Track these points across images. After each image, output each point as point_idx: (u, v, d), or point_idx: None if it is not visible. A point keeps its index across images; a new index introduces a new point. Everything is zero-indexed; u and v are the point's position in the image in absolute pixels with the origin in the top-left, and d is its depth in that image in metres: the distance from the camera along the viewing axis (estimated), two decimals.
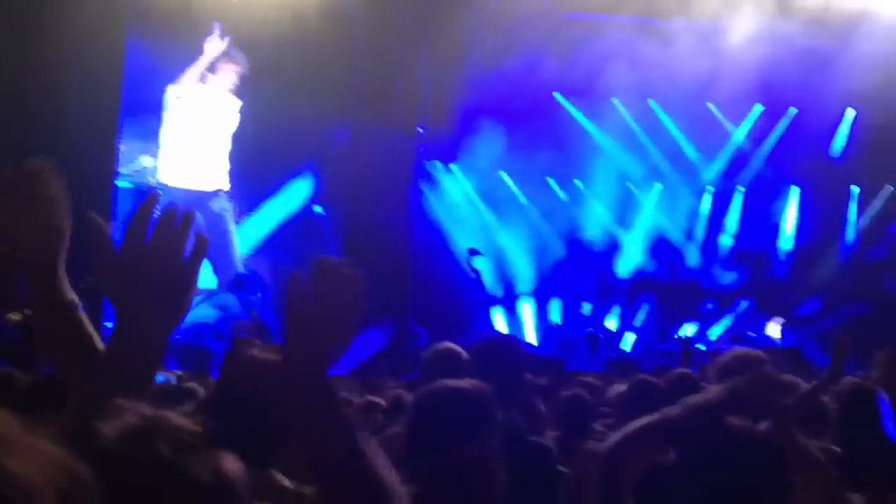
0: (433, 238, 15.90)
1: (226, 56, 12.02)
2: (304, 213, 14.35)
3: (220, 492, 1.25)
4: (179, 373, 4.70)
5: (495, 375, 3.08)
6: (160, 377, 4.09)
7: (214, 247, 12.28)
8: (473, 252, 13.66)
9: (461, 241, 15.88)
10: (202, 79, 12.02)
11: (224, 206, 12.49)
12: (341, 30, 13.90)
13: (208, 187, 12.32)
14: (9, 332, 9.33)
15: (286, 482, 2.74)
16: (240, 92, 12.49)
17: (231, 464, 1.30)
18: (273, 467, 2.74)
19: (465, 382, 2.35)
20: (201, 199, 11.93)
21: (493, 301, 15.98)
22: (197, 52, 12.03)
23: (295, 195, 14.26)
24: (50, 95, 11.42)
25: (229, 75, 12.07)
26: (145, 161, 12.79)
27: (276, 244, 13.86)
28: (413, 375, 11.01)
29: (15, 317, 9.38)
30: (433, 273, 15.35)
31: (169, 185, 12.00)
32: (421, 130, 15.69)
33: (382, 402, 5.91)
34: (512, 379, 3.55)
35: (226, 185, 12.53)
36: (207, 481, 1.25)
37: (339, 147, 14.74)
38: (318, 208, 12.98)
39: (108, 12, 11.90)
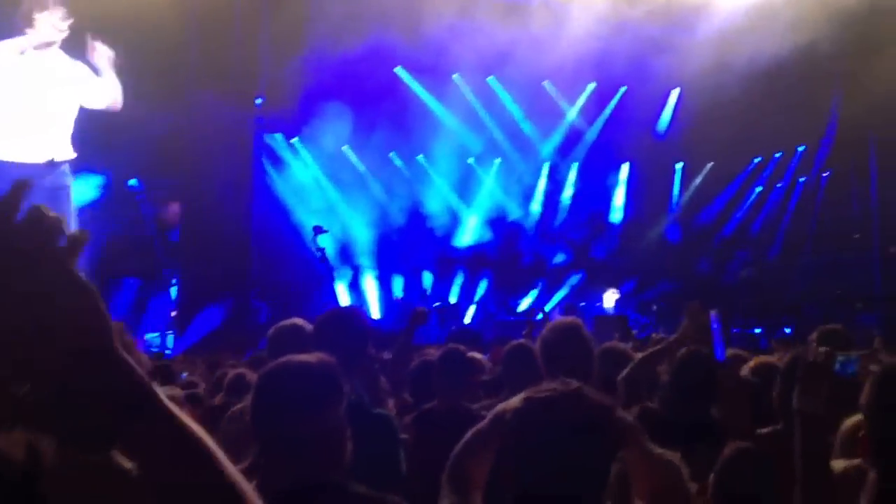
0: (275, 213, 15.64)
1: (37, 3, 11.01)
2: (118, 188, 13.72)
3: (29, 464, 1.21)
4: None
5: (339, 346, 3.07)
6: None
7: None
8: (318, 230, 13.54)
9: (304, 215, 15.72)
10: (19, 34, 11.03)
11: (60, 182, 11.57)
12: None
13: (40, 159, 11.38)
14: None
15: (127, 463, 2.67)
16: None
17: (43, 441, 1.24)
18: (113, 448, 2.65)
19: (311, 356, 2.34)
20: (31, 172, 11.20)
21: (337, 276, 15.90)
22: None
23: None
24: None
25: (49, 23, 11.02)
26: None
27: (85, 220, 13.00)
28: (255, 351, 10.86)
29: None
30: (275, 248, 15.11)
31: None
32: (259, 101, 15.35)
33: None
34: (356, 350, 3.54)
35: (64, 154, 11.52)
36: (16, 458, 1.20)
37: (169, 119, 14.21)
38: (133, 182, 12.44)
39: None
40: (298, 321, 4.01)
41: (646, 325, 14.26)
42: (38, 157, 11.17)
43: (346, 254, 16.23)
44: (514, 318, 15.26)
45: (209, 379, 7.02)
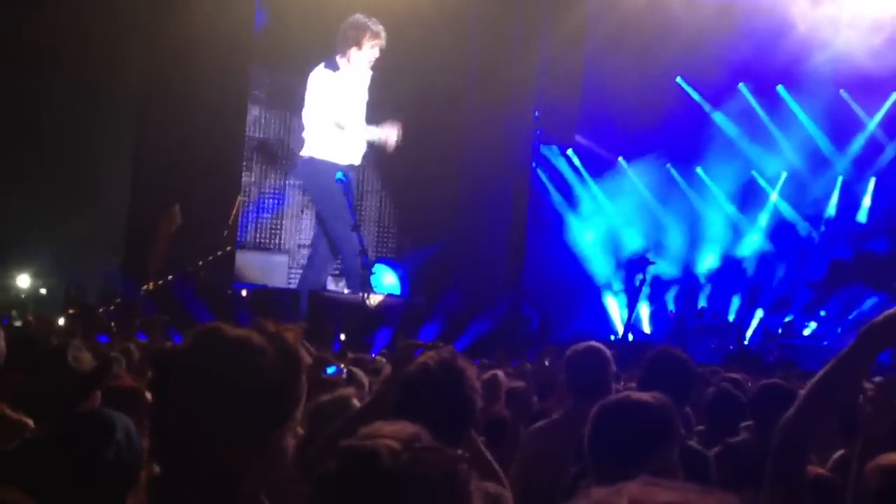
0: (550, 223, 15.73)
1: (369, 33, 11.93)
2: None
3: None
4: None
5: (667, 388, 3.17)
6: (333, 368, 4.20)
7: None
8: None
9: (577, 226, 15.76)
10: (348, 59, 11.98)
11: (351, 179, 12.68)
12: (458, 7, 13.89)
13: (348, 161, 12.41)
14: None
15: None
16: None
17: None
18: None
19: (649, 396, 2.44)
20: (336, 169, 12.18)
21: (612, 289, 15.79)
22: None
23: None
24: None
25: (374, 52, 12.09)
26: None
27: None
28: (528, 358, 10.93)
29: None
30: (548, 258, 15.20)
31: (315, 157, 12.19)
32: (537, 114, 15.54)
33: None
34: (682, 393, 3.65)
35: (358, 159, 12.64)
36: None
37: (448, 132, 14.65)
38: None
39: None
40: (596, 344, 4.10)
41: None
42: (343, 160, 12.20)
43: (618, 263, 15.97)
44: (798, 341, 14.30)
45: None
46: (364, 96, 12.20)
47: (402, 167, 13.69)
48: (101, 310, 9.68)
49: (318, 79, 11.91)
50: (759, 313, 15.39)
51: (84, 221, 11.47)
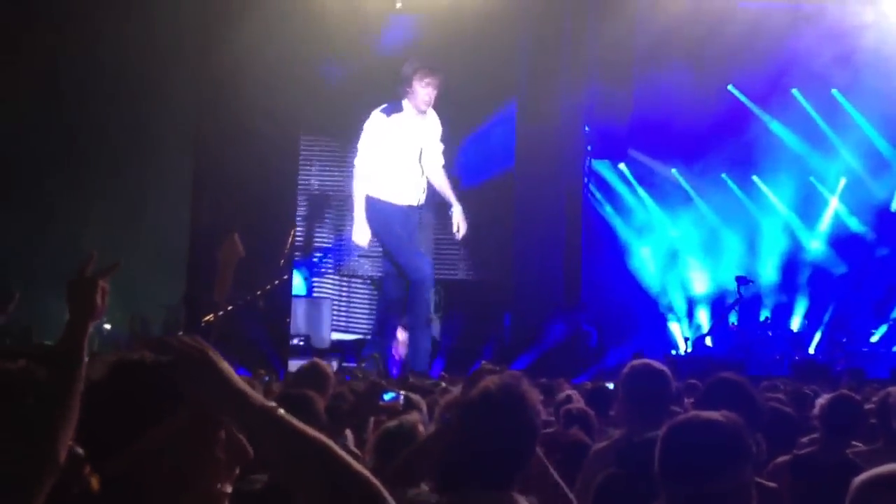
0: (604, 238, 15.65)
1: (424, 70, 11.57)
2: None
3: None
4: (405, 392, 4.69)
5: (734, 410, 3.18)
6: (391, 394, 4.19)
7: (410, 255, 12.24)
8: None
9: (632, 240, 15.64)
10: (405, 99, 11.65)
11: (421, 219, 12.46)
12: (504, 25, 13.93)
13: (408, 202, 12.02)
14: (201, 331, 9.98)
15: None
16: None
17: None
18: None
19: (717, 414, 2.45)
20: (401, 211, 11.80)
21: (670, 304, 15.64)
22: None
23: None
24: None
25: (430, 91, 11.62)
26: None
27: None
28: (583, 377, 10.85)
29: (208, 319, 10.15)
30: (605, 273, 15.10)
31: (377, 197, 11.68)
32: (587, 129, 15.46)
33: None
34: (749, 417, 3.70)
35: (422, 198, 12.15)
36: None
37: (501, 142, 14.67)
38: None
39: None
40: (651, 362, 4.05)
41: None
42: (407, 200, 11.87)
43: (679, 281, 15.83)
44: (866, 349, 13.97)
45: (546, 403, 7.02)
46: (424, 137, 11.86)
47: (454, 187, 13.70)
48: None
49: (373, 123, 11.58)
50: (824, 322, 15.10)
51: (145, 254, 11.65)
